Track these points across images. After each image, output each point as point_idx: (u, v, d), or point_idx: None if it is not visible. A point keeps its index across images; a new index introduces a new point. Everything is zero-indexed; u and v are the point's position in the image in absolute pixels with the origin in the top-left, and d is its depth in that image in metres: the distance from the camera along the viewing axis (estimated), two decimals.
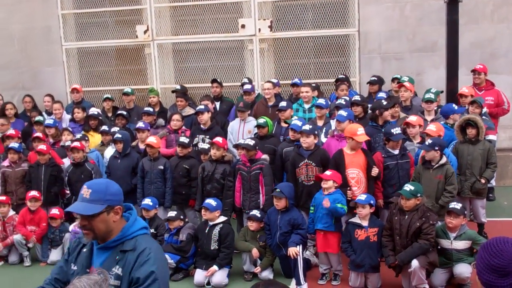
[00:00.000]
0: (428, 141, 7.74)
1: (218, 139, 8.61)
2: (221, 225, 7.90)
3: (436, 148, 7.61)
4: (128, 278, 3.33)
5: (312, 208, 7.77)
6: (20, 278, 8.52)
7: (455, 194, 7.78)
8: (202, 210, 8.01)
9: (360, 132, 7.84)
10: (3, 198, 9.09)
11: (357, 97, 9.38)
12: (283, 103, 9.46)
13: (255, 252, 7.80)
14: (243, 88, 10.56)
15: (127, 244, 3.40)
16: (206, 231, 7.94)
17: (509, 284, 2.76)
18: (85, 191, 3.36)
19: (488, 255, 2.82)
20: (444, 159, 7.70)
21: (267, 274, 7.80)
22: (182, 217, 8.29)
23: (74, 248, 3.62)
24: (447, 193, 7.63)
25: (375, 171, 7.84)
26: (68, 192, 9.33)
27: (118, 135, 9.19)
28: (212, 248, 7.86)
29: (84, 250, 3.52)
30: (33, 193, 8.99)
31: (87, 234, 3.41)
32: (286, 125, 9.19)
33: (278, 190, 7.64)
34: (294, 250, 7.42)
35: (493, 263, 2.80)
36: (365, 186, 7.88)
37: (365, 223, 7.37)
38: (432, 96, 9.07)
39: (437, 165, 7.65)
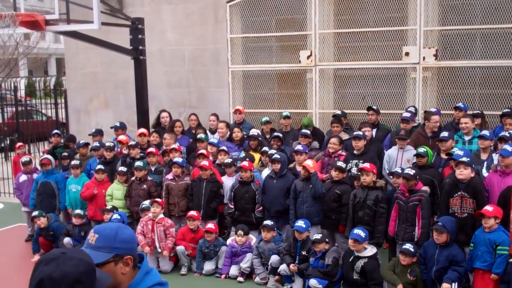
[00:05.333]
0: None
1: (366, 165, 8.52)
2: (365, 260, 7.66)
3: None
4: None
5: (471, 245, 7.41)
6: (179, 285, 8.94)
7: None
8: (350, 241, 7.79)
9: None
10: (159, 200, 9.61)
11: None
12: (444, 134, 9.12)
13: None
14: (401, 116, 10.38)
15: None
16: (350, 260, 7.80)
17: None
18: (91, 237, 2.88)
19: None
20: None
21: None
22: (327, 240, 8.26)
23: None
24: None
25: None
26: (232, 206, 9.64)
27: (276, 156, 9.42)
28: (354, 278, 7.71)
29: None
30: (192, 213, 9.41)
31: None
32: (446, 156, 8.89)
33: (440, 223, 7.35)
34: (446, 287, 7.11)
35: None
36: None
37: None
38: None
39: None
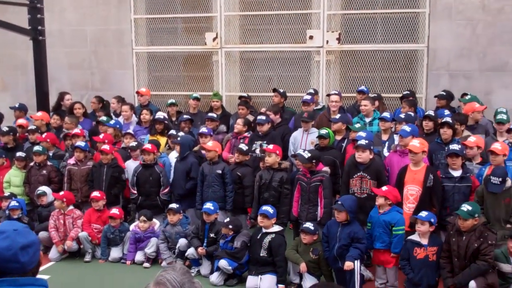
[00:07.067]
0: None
1: (269, 146, 8.65)
2: (273, 235, 7.88)
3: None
4: None
5: (369, 224, 7.68)
6: (81, 273, 8.76)
7: None
8: (259, 217, 7.99)
9: (413, 142, 7.72)
10: (60, 193, 9.29)
11: (431, 112, 9.23)
12: (335, 116, 9.40)
13: (303, 266, 7.67)
14: (302, 99, 10.50)
15: None
16: (258, 237, 7.96)
17: None
18: None
19: None
20: (510, 182, 7.43)
21: None
22: (230, 226, 8.26)
23: None
24: None
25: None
26: (135, 192, 9.48)
27: (176, 139, 9.35)
28: (261, 254, 7.88)
29: None
30: (95, 193, 9.18)
31: None
32: (340, 138, 9.15)
33: (339, 202, 7.54)
34: (349, 266, 7.32)
35: None
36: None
37: (424, 241, 7.21)
38: (504, 117, 8.83)
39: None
